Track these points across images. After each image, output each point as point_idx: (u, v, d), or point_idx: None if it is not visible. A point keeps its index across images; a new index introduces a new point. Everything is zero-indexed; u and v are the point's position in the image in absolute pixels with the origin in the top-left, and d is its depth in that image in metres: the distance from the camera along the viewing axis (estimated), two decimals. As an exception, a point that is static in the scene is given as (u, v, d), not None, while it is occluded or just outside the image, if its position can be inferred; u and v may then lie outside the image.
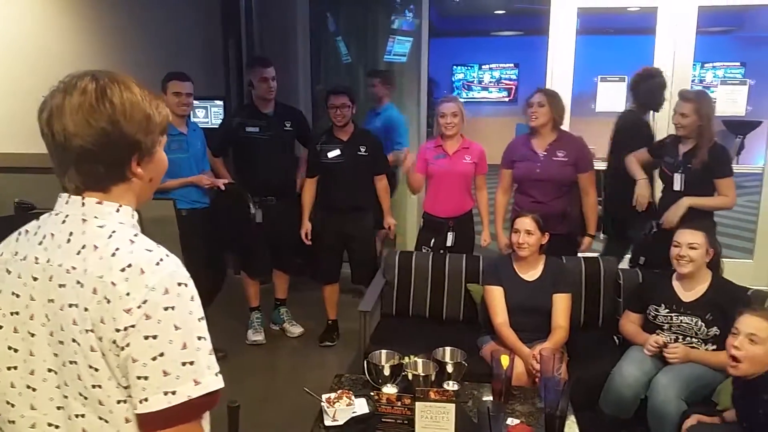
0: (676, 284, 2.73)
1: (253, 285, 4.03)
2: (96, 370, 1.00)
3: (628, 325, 2.84)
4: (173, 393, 0.96)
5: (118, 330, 0.96)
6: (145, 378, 0.96)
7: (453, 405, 1.96)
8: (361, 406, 2.20)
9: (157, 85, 3.48)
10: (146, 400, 0.96)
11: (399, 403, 2.02)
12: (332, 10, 5.30)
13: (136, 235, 1.03)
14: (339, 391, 2.24)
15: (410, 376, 2.29)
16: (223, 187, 3.60)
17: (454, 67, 12.23)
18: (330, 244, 3.87)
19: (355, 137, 3.78)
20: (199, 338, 1.00)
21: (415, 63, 5.21)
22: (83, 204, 1.03)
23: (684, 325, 2.64)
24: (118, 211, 1.04)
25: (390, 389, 2.28)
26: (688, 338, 2.63)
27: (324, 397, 2.21)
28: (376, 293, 3.29)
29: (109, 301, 0.96)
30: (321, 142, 3.81)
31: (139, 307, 0.95)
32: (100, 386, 1.00)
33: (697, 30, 4.63)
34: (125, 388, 0.99)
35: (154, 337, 0.96)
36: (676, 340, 2.65)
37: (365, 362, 2.39)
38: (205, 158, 3.72)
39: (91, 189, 1.04)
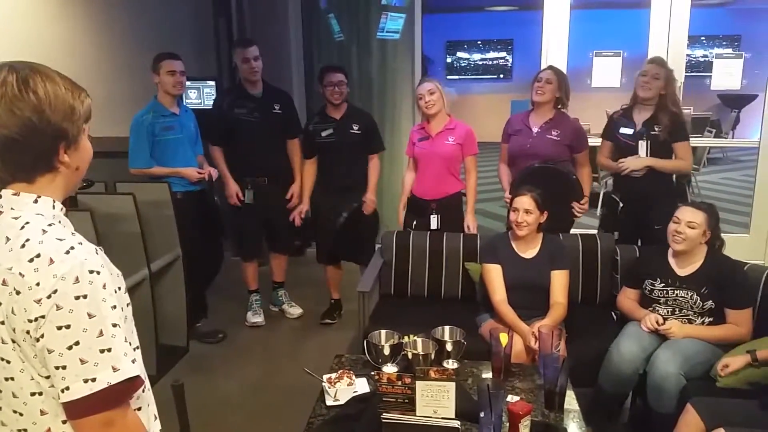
0: (671, 259, 2.73)
1: (250, 267, 4.03)
2: (8, 362, 1.01)
3: (626, 301, 2.85)
4: (93, 380, 0.98)
5: (29, 321, 0.97)
6: (63, 367, 0.97)
7: (453, 383, 1.96)
8: (361, 386, 2.21)
9: (148, 65, 3.44)
10: (68, 389, 0.98)
11: (399, 383, 2.02)
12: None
13: (50, 225, 1.03)
14: (340, 371, 2.24)
15: (410, 356, 2.30)
16: (213, 180, 3.60)
17: (449, 46, 12.10)
18: (328, 226, 3.85)
19: (347, 116, 3.74)
20: (114, 325, 1.01)
21: (408, 40, 5.16)
22: (0, 196, 1.04)
23: (680, 298, 2.65)
24: (36, 202, 1.04)
25: (390, 369, 2.29)
26: (684, 311, 2.64)
27: (325, 377, 2.22)
28: (374, 273, 3.29)
29: (18, 293, 0.97)
30: (314, 122, 3.80)
31: (48, 297, 0.96)
32: (12, 378, 1.02)
33: (691, 3, 4.59)
34: (46, 378, 1.01)
35: (67, 326, 0.97)
36: (672, 314, 2.66)
37: (365, 342, 2.39)
38: (198, 141, 3.70)
39: (18, 180, 1.04)
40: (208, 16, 4.97)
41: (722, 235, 2.76)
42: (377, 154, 3.87)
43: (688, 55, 4.67)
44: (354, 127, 3.73)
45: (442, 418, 1.94)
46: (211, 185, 3.68)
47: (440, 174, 3.50)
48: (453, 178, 3.54)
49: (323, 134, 3.73)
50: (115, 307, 1.02)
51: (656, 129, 3.31)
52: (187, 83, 3.73)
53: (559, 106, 3.46)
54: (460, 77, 12.11)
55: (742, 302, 2.57)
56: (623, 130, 3.43)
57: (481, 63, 12.26)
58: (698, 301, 2.61)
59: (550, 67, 3.53)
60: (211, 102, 4.32)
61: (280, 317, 4.13)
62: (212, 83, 4.70)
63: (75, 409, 0.99)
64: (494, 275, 2.87)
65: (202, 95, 4.68)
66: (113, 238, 2.97)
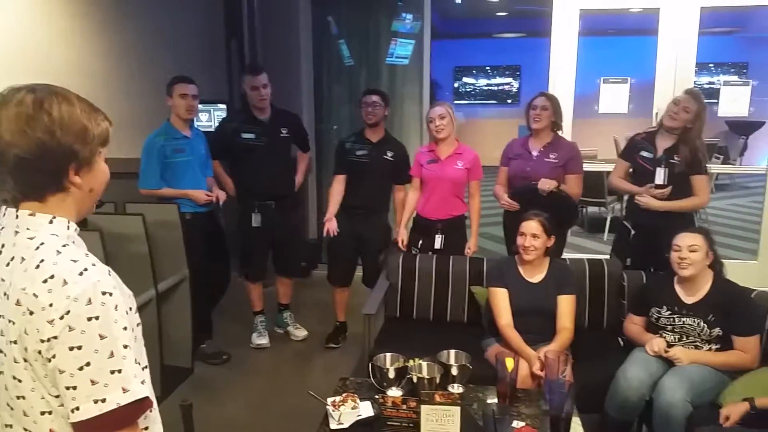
0: (677, 286, 2.72)
1: (256, 289, 4.04)
2: (19, 381, 1.03)
3: (632, 327, 2.83)
4: (103, 401, 0.98)
5: (42, 341, 0.98)
6: (74, 388, 0.98)
7: (458, 408, 1.96)
8: (366, 409, 2.20)
9: (161, 89, 3.50)
10: (78, 409, 0.98)
11: (404, 406, 2.02)
12: (334, 12, 5.32)
13: (65, 246, 1.04)
14: (344, 394, 2.23)
15: (415, 379, 2.29)
16: (221, 203, 3.64)
17: (456, 71, 12.21)
18: (345, 246, 3.87)
19: (384, 141, 3.81)
20: (125, 347, 1.02)
21: (417, 65, 5.22)
22: (17, 216, 1.05)
23: (686, 326, 2.63)
24: (51, 222, 1.05)
25: (395, 392, 2.28)
26: (692, 338, 2.63)
27: (329, 400, 2.21)
28: (380, 296, 3.29)
29: (32, 313, 0.98)
30: (350, 140, 3.87)
31: (61, 318, 0.97)
32: (23, 397, 1.03)
33: (699, 31, 4.63)
34: (56, 397, 1.01)
35: (79, 347, 0.98)
36: (679, 341, 2.64)
37: (370, 365, 2.38)
38: (209, 163, 3.74)
39: (29, 199, 1.05)
40: (220, 39, 5.05)
41: (732, 261, 2.76)
42: (404, 186, 3.88)
43: (695, 82, 4.70)
44: (388, 154, 3.79)
45: (447, 443, 1.93)
46: (218, 206, 3.70)
47: (447, 196, 3.56)
48: (459, 201, 3.61)
49: (357, 153, 3.78)
50: (126, 328, 1.03)
51: (675, 159, 3.31)
52: (199, 106, 3.78)
53: (555, 129, 3.55)
54: (468, 102, 12.20)
55: (749, 329, 2.55)
56: (644, 153, 3.44)
57: (488, 88, 12.36)
58: (705, 328, 2.59)
59: (543, 94, 3.62)
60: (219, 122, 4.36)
61: (285, 339, 4.12)
62: (223, 106, 4.76)
63: (84, 429, 0.99)
64: (500, 299, 2.87)
65: (213, 118, 4.74)
66: (122, 258, 2.99)
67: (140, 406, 1.03)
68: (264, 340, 3.99)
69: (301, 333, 4.13)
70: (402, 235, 3.71)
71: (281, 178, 3.88)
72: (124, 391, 1.00)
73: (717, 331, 2.58)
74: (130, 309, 1.07)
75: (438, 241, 3.57)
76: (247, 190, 3.83)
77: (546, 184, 3.35)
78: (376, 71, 5.26)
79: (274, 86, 3.82)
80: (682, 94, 3.40)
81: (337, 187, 3.87)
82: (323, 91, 5.42)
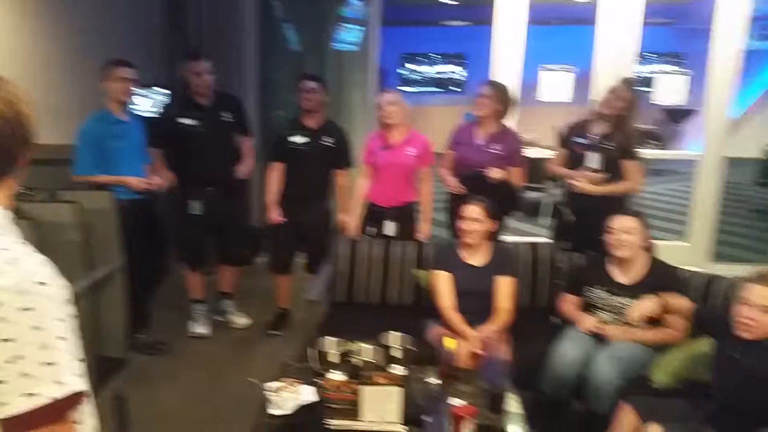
0: (611, 267, 2.82)
1: (195, 277, 3.96)
2: None
3: (566, 306, 2.93)
4: (35, 395, 0.94)
5: None
6: (3, 382, 0.93)
7: (398, 388, 1.98)
8: (307, 394, 2.20)
9: (97, 73, 3.37)
10: (7, 403, 0.94)
11: (345, 389, 2.03)
12: (280, -5, 5.23)
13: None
14: (285, 380, 2.23)
15: (357, 363, 2.30)
16: (158, 189, 3.54)
17: (403, 59, 12.24)
18: (286, 234, 3.84)
19: (323, 127, 3.76)
20: (60, 339, 0.98)
21: (365, 51, 5.19)
22: None
23: (619, 305, 2.73)
24: None
25: (337, 376, 2.28)
26: (624, 317, 2.72)
27: (269, 386, 2.20)
28: (323, 281, 3.29)
29: None
30: (288, 127, 3.80)
31: None
32: None
33: (637, 22, 4.77)
34: None
35: (11, 339, 0.93)
36: (612, 320, 2.74)
37: (312, 350, 2.38)
38: (146, 149, 3.63)
39: None
40: (162, 24, 4.90)
41: (664, 243, 2.87)
42: (345, 170, 3.87)
43: (635, 72, 4.84)
44: (327, 140, 3.74)
45: (388, 423, 1.95)
46: (155, 194, 3.61)
47: (399, 183, 3.57)
48: (410, 188, 3.63)
49: (295, 140, 3.72)
50: (62, 319, 0.99)
51: (609, 144, 3.42)
52: (139, 91, 3.67)
53: (500, 119, 3.56)
54: (414, 90, 12.25)
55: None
56: (578, 139, 3.55)
57: (434, 76, 12.43)
58: (637, 308, 2.69)
59: (490, 82, 3.64)
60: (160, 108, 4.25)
61: (226, 328, 4.06)
62: (165, 91, 4.63)
63: (13, 425, 0.94)
64: (442, 282, 2.91)
65: (151, 103, 4.61)
66: (55, 247, 2.88)
67: (76, 399, 0.99)
68: (203, 329, 3.93)
69: (242, 321, 4.08)
70: (354, 222, 3.70)
71: (223, 164, 3.80)
72: (59, 384, 0.95)
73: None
74: (66, 300, 1.04)
75: (390, 228, 3.58)
76: (187, 177, 3.74)
77: (496, 173, 3.39)
78: (323, 57, 5.20)
79: (218, 71, 3.73)
80: (618, 82, 3.51)
81: (275, 176, 3.81)
82: (269, 76, 5.33)
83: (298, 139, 3.72)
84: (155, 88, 4.57)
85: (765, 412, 2.01)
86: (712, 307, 2.51)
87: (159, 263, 3.80)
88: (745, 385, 2.07)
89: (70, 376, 0.98)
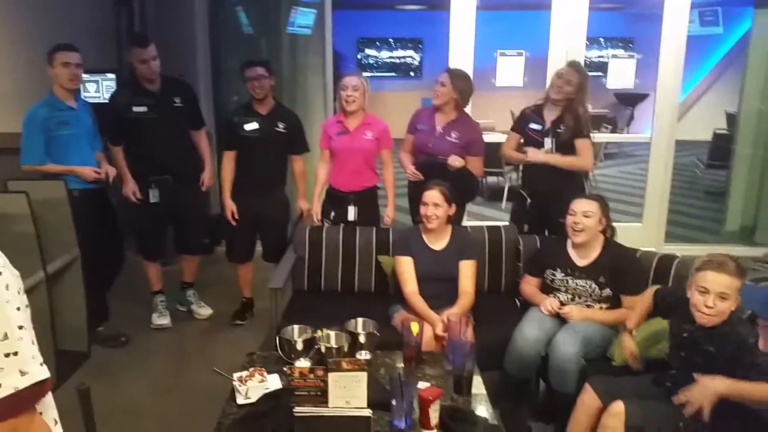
0: (570, 250, 2.88)
1: (154, 267, 3.88)
2: None
3: (528, 288, 2.98)
4: None
5: None
6: None
7: (365, 373, 1.98)
8: (273, 382, 2.19)
9: (44, 59, 3.25)
10: None
11: (311, 376, 2.03)
12: (231, -23, 5.11)
13: None
14: (251, 369, 2.21)
15: (323, 349, 2.30)
16: (110, 180, 3.44)
17: (360, 43, 12.15)
18: (243, 223, 3.78)
19: (274, 113, 3.69)
20: (20, 328, 0.96)
21: (319, 35, 5.13)
22: None
23: (579, 287, 2.80)
24: None
25: (303, 363, 2.28)
26: (584, 298, 2.80)
27: (235, 375, 2.18)
28: (286, 269, 3.26)
29: None
30: (239, 114, 3.72)
31: None
32: None
33: (589, 6, 4.85)
34: None
35: None
36: (572, 300, 2.81)
37: (277, 338, 2.37)
38: (96, 137, 3.52)
39: None
40: (108, 6, 4.74)
41: (619, 224, 2.94)
42: (301, 155, 3.82)
43: (585, 56, 4.93)
44: (280, 125, 3.68)
45: (355, 408, 1.95)
46: (108, 183, 3.51)
47: (359, 167, 3.55)
48: (371, 172, 3.61)
49: (246, 127, 3.65)
50: (19, 308, 0.96)
51: (561, 128, 3.48)
52: (86, 76, 3.54)
53: (458, 108, 3.55)
54: (372, 74, 12.19)
55: (636, 288, 2.72)
56: (532, 125, 3.59)
57: (391, 61, 12.39)
58: (596, 289, 2.77)
59: (448, 70, 3.62)
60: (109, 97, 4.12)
61: (189, 318, 4.01)
62: (112, 76, 4.49)
63: None
64: (406, 267, 2.93)
65: (101, 89, 4.47)
66: (6, 239, 2.79)
67: (40, 389, 0.96)
68: (165, 320, 3.86)
69: (205, 311, 4.03)
70: (316, 208, 3.68)
71: (178, 151, 3.71)
72: (22, 374, 0.93)
73: (607, 291, 2.77)
74: (20, 290, 1.00)
75: (351, 213, 3.56)
76: (141, 165, 3.65)
77: (456, 161, 3.40)
78: (277, 41, 5.12)
79: (167, 55, 3.63)
80: (564, 66, 3.56)
81: (229, 165, 3.75)
82: (221, 61, 5.22)
83: (250, 126, 3.65)
84: (106, 74, 4.44)
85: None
86: (672, 291, 2.59)
87: (115, 254, 3.70)
88: (703, 368, 2.13)
89: (34, 365, 0.95)
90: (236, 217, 3.74)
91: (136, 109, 3.55)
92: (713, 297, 2.07)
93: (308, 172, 3.95)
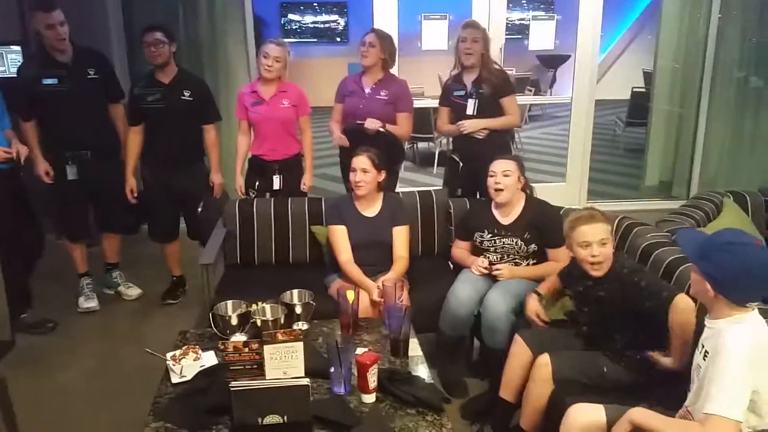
0: (495, 210, 2.95)
1: (78, 249, 3.72)
2: None
3: (458, 252, 3.05)
4: None
5: None
6: None
7: (300, 343, 1.98)
8: (209, 359, 2.16)
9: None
10: None
11: (246, 349, 2.01)
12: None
13: None
14: (184, 347, 2.17)
15: (259, 323, 2.28)
16: (22, 159, 3.22)
17: (282, 8, 11.82)
18: (162, 200, 3.66)
19: (178, 81, 3.53)
20: None
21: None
22: None
23: (506, 246, 2.88)
24: None
25: (240, 338, 2.25)
26: (512, 256, 2.88)
27: (168, 355, 2.13)
28: (217, 244, 3.19)
29: None
30: (140, 85, 3.55)
31: None
32: None
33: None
34: None
35: None
36: (501, 260, 2.89)
37: (211, 315, 2.33)
38: (5, 114, 3.30)
39: None
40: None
41: (544, 184, 3.03)
42: (213, 125, 3.70)
43: (507, 19, 4.99)
44: (185, 94, 3.52)
45: (292, 378, 1.95)
46: (19, 163, 3.30)
47: (279, 136, 3.51)
48: (292, 139, 3.57)
49: (149, 99, 3.49)
50: None
51: (483, 87, 3.52)
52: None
53: (385, 68, 3.57)
54: (297, 40, 11.92)
55: (559, 241, 2.78)
56: (456, 93, 3.61)
57: (314, 26, 12.13)
58: (523, 246, 2.85)
59: (373, 30, 3.62)
60: (16, 70, 3.86)
61: (117, 300, 3.88)
62: (17, 48, 4.20)
63: None
64: (339, 236, 2.93)
65: (6, 62, 4.18)
66: None
67: None
68: (92, 303, 3.73)
69: (134, 292, 3.91)
70: (240, 182, 3.60)
71: (95, 125, 3.53)
72: None
73: (533, 247, 2.86)
74: None
75: (276, 182, 3.52)
76: (56, 141, 3.45)
77: (372, 124, 3.40)
78: (193, 6, 4.89)
79: (77, 23, 3.41)
80: (461, 29, 3.57)
81: (133, 139, 3.59)
82: (134, 28, 4.94)
83: (152, 97, 3.50)
84: (10, 46, 4.15)
85: (628, 335, 2.23)
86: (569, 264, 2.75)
87: (33, 237, 3.51)
88: (602, 314, 2.29)
89: None
90: (135, 195, 3.63)
91: (46, 81, 3.34)
92: (595, 246, 2.23)
93: (228, 144, 3.83)
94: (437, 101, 3.84)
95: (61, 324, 3.54)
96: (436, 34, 4.98)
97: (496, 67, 3.59)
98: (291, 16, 12.05)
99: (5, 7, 4.36)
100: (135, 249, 4.19)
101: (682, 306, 2.02)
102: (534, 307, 2.57)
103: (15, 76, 3.60)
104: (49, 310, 3.60)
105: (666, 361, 2.09)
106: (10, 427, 1.59)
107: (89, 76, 3.47)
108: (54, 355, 3.27)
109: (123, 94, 3.70)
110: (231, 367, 2.00)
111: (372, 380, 1.94)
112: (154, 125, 3.55)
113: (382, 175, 2.96)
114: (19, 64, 4.01)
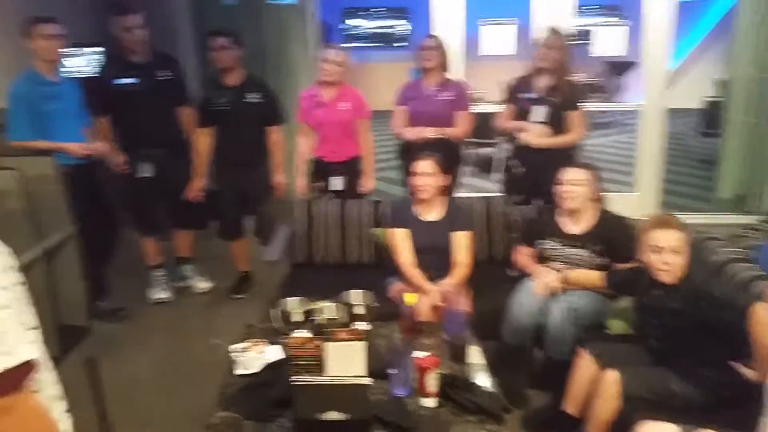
0: (560, 218, 2.89)
1: (150, 242, 3.87)
2: None
3: (521, 258, 3.00)
4: None
5: None
6: None
7: (362, 343, 2.01)
8: (273, 354, 2.22)
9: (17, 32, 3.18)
10: None
11: (309, 345, 2.05)
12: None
13: None
14: (250, 341, 2.24)
15: (320, 321, 2.33)
16: (101, 155, 3.40)
17: (345, 13, 11.94)
18: (229, 200, 3.77)
19: (244, 84, 3.63)
20: (3, 308, 0.96)
21: (303, 5, 5.03)
22: None
23: (572, 256, 2.82)
24: None
25: (304, 334, 2.30)
26: (579, 267, 2.81)
27: (234, 347, 2.21)
28: (282, 243, 3.28)
29: None
30: (209, 89, 3.69)
31: None
32: None
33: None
34: None
35: None
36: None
37: (275, 311, 2.39)
38: (84, 112, 3.47)
39: None
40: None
41: (612, 194, 2.96)
42: (278, 127, 3.78)
43: (573, 24, 4.88)
44: (252, 97, 3.62)
45: (353, 377, 1.98)
46: (97, 159, 3.47)
47: (340, 138, 3.59)
48: (353, 142, 3.64)
49: (217, 102, 3.60)
50: (5, 287, 0.96)
51: (553, 96, 3.47)
52: (73, 50, 3.46)
53: (444, 70, 3.64)
54: (359, 45, 12.02)
55: (629, 256, 2.71)
56: (524, 94, 3.58)
57: (377, 31, 12.19)
58: (594, 258, 2.78)
59: (431, 35, 3.72)
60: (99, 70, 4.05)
61: (188, 292, 4.02)
62: (100, 49, 4.41)
63: None
64: (400, 239, 2.95)
65: (88, 63, 4.40)
66: (-2, 216, 2.78)
67: (28, 368, 0.97)
68: (164, 294, 3.88)
69: (204, 285, 4.04)
70: (301, 184, 3.69)
71: (168, 125, 3.66)
72: (8, 355, 0.93)
73: (602, 260, 2.78)
74: (10, 267, 1.00)
75: (339, 183, 3.60)
76: (131, 140, 3.61)
77: (416, 133, 3.50)
78: (259, 11, 5.01)
79: (150, 28, 3.56)
80: (546, 34, 3.53)
81: (202, 141, 3.69)
82: (205, 35, 5.11)
83: (220, 100, 3.60)
84: (89, 47, 4.35)
85: (701, 350, 2.15)
86: (620, 270, 2.65)
87: (110, 230, 3.69)
88: (674, 327, 2.20)
89: (20, 345, 0.95)
90: (203, 194, 3.75)
91: (122, 81, 3.49)
92: (667, 253, 2.17)
93: (290, 145, 3.92)
94: (497, 106, 3.83)
95: (133, 314, 3.70)
96: (498, 39, 4.96)
97: (570, 79, 3.53)
98: (353, 22, 12.17)
99: (88, 11, 4.59)
100: (208, 244, 4.33)
101: (763, 313, 1.94)
102: (551, 280, 2.60)
103: (90, 82, 3.77)
104: (124, 300, 3.77)
105: (751, 374, 2.01)
106: (100, 409, 1.67)
107: (161, 78, 3.60)
108: (127, 343, 3.42)
109: (188, 98, 3.81)
110: (294, 363, 2.04)
111: (432, 384, 1.95)
112: (223, 127, 3.67)
113: (446, 179, 2.96)
114: (101, 64, 4.22)
